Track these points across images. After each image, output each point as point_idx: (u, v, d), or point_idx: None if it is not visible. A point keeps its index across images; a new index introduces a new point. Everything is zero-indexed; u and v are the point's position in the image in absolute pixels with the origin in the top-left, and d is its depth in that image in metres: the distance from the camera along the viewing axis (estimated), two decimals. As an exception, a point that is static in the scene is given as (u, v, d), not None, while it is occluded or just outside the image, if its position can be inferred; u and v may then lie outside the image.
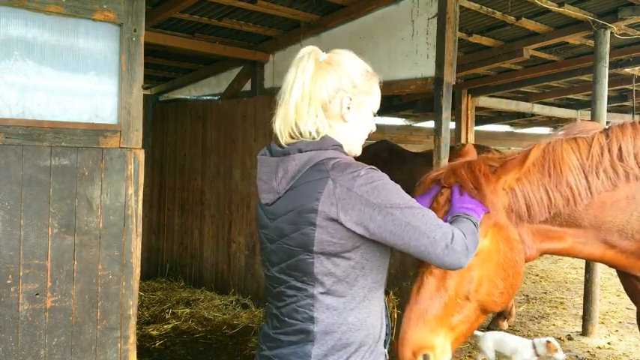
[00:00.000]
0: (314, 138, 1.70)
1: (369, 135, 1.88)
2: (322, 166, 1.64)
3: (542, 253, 2.31)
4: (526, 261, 2.27)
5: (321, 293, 1.66)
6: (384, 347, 1.80)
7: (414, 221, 1.60)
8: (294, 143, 1.70)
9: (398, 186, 1.66)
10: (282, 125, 1.73)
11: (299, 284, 1.68)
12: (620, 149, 2.16)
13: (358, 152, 1.86)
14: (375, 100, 1.83)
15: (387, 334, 1.81)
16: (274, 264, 1.75)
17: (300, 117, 1.69)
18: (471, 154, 2.38)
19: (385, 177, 1.66)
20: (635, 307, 2.69)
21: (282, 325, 1.73)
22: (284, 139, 1.73)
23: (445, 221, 1.86)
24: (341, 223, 1.59)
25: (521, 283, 2.24)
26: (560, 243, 2.26)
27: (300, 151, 1.68)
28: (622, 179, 2.16)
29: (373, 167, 1.67)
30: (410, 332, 1.97)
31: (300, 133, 1.71)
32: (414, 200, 1.66)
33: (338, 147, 1.72)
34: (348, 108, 1.74)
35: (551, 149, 2.21)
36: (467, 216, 1.89)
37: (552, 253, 2.32)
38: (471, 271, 2.06)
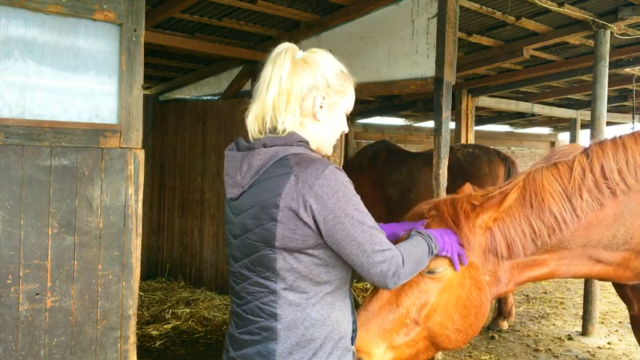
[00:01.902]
0: (283, 133, 1.71)
1: (341, 135, 1.90)
2: (286, 161, 1.65)
3: (521, 284, 2.26)
4: (501, 296, 2.24)
5: (284, 289, 1.66)
6: (351, 344, 1.80)
7: (361, 238, 1.62)
8: (260, 138, 1.72)
9: (357, 196, 1.67)
10: (254, 120, 1.75)
11: (261, 280, 1.69)
12: (602, 167, 2.13)
13: (329, 152, 1.87)
14: (348, 101, 1.84)
15: (353, 331, 1.82)
16: (237, 259, 1.76)
17: (278, 113, 1.71)
18: (467, 191, 2.36)
19: (348, 182, 1.66)
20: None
21: (245, 323, 1.73)
22: (253, 134, 1.74)
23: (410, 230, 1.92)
24: (301, 219, 1.61)
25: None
26: (542, 269, 2.21)
27: (265, 146, 1.69)
28: (608, 197, 2.12)
29: (338, 167, 1.67)
30: None
31: (273, 129, 1.72)
32: (368, 216, 1.67)
33: (303, 143, 1.73)
34: (321, 107, 1.76)
35: (531, 179, 2.17)
36: (429, 239, 1.89)
37: (533, 280, 2.27)
38: (427, 295, 2.03)
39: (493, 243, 2.09)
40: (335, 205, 1.60)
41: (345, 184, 1.64)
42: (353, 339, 1.81)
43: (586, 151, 2.21)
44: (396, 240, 2.13)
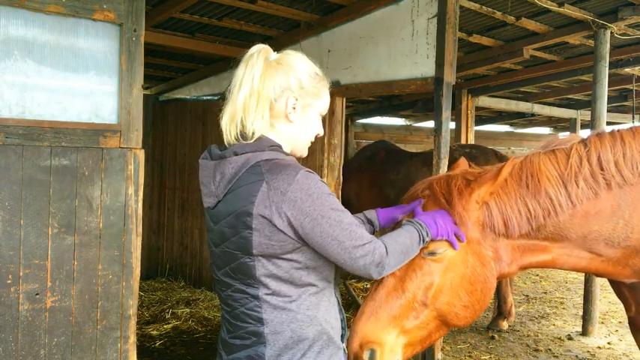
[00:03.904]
0: (252, 138, 1.70)
1: (316, 138, 1.88)
2: (258, 168, 1.66)
3: (524, 268, 2.28)
4: (504, 277, 2.26)
5: (266, 294, 1.68)
6: (342, 342, 1.81)
7: (340, 236, 1.64)
8: (231, 146, 1.72)
9: (333, 195, 1.69)
10: (230, 122, 1.74)
11: (244, 287, 1.70)
12: (599, 158, 2.15)
13: (303, 154, 1.87)
14: (323, 103, 1.84)
15: (342, 329, 1.83)
16: (220, 268, 1.77)
17: (248, 114, 1.70)
18: (462, 167, 2.38)
19: (321, 184, 1.67)
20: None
21: (234, 329, 1.75)
22: (230, 137, 1.74)
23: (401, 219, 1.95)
24: (275, 225, 1.61)
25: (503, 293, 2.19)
26: (543, 255, 2.23)
27: (236, 154, 1.69)
28: (603, 188, 2.14)
29: (310, 170, 1.68)
30: (360, 325, 1.98)
31: (244, 132, 1.71)
32: (345, 213, 1.69)
33: (275, 147, 1.73)
34: (294, 108, 1.76)
35: (528, 162, 2.20)
36: (419, 227, 1.90)
37: (535, 266, 2.28)
38: (432, 277, 2.04)
39: (490, 218, 2.11)
40: (310, 208, 1.61)
41: (318, 185, 1.65)
42: (343, 337, 1.83)
43: (584, 141, 2.23)
44: (394, 224, 2.15)
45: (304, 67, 1.79)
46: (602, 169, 2.14)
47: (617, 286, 2.49)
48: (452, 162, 5.34)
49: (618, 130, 2.25)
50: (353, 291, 6.98)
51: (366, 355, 1.95)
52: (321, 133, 1.88)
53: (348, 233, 1.65)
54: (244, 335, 1.72)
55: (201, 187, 1.80)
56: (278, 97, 1.74)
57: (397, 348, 2.01)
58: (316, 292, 1.73)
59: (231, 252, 1.70)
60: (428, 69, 4.59)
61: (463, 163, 2.43)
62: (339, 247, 1.65)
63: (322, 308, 1.74)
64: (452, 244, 2.02)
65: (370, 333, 1.97)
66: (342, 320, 1.84)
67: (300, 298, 1.70)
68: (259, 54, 1.75)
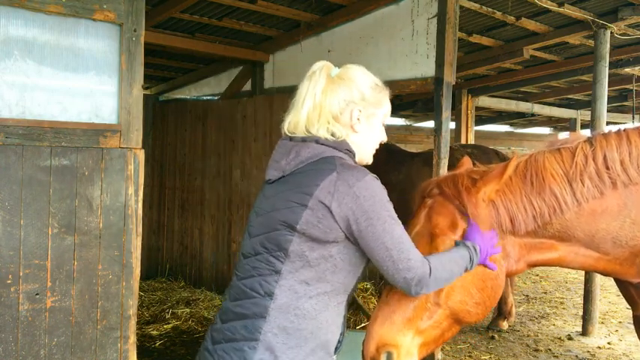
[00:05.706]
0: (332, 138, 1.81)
1: (380, 144, 1.99)
2: (332, 160, 1.75)
3: (532, 266, 2.30)
4: (513, 274, 2.28)
5: (289, 272, 1.72)
6: (334, 352, 1.84)
7: (389, 243, 1.70)
8: (314, 136, 1.81)
9: (391, 204, 1.75)
10: (293, 128, 1.85)
11: (271, 258, 1.75)
12: (605, 157, 2.16)
13: (369, 161, 1.97)
14: (384, 112, 1.94)
15: (339, 341, 1.86)
16: (254, 235, 1.83)
17: (312, 124, 1.81)
18: (466, 166, 2.39)
19: (384, 192, 1.75)
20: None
21: (242, 296, 1.79)
22: (296, 135, 1.84)
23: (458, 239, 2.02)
24: (331, 212, 1.68)
25: (516, 287, 2.21)
26: (550, 253, 2.24)
27: (317, 142, 1.79)
28: (608, 187, 2.15)
29: (376, 176, 1.76)
30: (376, 329, 2.00)
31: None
32: (399, 224, 1.75)
33: (350, 153, 1.84)
34: (358, 119, 1.86)
35: (533, 160, 2.22)
36: (474, 254, 1.95)
37: (542, 264, 2.30)
38: None
39: (497, 216, 2.14)
40: (371, 207, 1.68)
41: (382, 191, 1.74)
42: (337, 349, 1.85)
43: (590, 140, 2.24)
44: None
45: (365, 80, 1.88)
46: (607, 167, 2.15)
47: (622, 285, 2.49)
48: (453, 162, 5.34)
49: (624, 130, 2.25)
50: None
51: (383, 358, 1.97)
52: (385, 139, 1.98)
53: (398, 243, 1.71)
54: (248, 305, 1.75)
55: (270, 163, 1.87)
56: (343, 110, 1.83)
57: (413, 349, 2.03)
58: (330, 292, 1.76)
59: (276, 221, 1.75)
60: (428, 69, 4.59)
61: (467, 162, 2.44)
62: (386, 253, 1.70)
63: (329, 310, 1.77)
64: (487, 266, 2.07)
65: (386, 335, 1.99)
66: (341, 334, 1.86)
67: (315, 291, 1.73)
68: (321, 71, 1.85)
